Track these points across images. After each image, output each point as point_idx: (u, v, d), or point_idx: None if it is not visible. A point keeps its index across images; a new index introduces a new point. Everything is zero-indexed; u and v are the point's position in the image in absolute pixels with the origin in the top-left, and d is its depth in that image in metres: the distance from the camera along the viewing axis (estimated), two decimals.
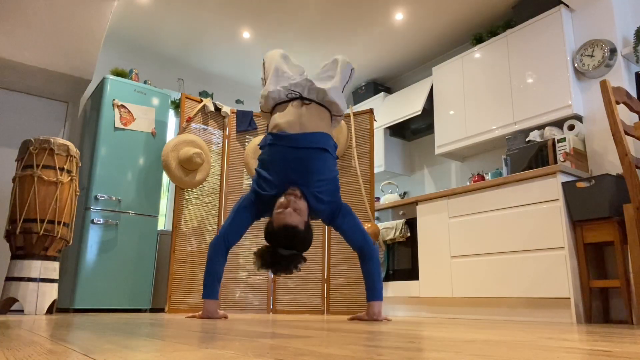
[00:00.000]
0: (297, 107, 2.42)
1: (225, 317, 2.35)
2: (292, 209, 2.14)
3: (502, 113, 3.69)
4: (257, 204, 2.32)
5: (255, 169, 2.41)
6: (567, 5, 3.45)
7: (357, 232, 2.36)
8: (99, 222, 3.63)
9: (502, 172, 3.65)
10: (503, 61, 3.76)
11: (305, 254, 2.23)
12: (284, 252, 2.12)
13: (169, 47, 4.71)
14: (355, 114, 4.01)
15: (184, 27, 4.37)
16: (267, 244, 2.19)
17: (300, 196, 2.21)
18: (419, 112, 4.32)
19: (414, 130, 4.75)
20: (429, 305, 3.62)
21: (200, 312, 2.35)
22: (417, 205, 3.84)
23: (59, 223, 2.90)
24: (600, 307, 2.92)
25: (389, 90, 5.28)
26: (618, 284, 2.69)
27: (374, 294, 2.31)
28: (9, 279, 2.81)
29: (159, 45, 4.68)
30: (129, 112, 3.93)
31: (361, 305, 3.59)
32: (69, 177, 2.99)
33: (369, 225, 3.57)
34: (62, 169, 2.96)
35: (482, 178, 3.86)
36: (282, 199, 2.19)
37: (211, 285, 2.26)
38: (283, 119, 2.41)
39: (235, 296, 3.72)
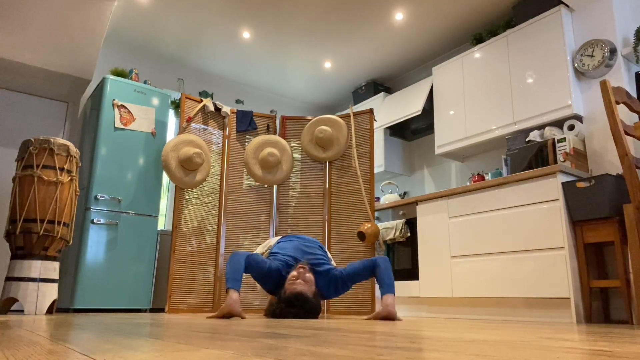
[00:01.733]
0: None
1: (243, 317, 2.39)
2: (302, 280, 2.51)
3: (502, 113, 3.69)
4: (277, 269, 2.67)
5: (272, 261, 2.73)
6: (567, 5, 3.45)
7: (359, 266, 2.70)
8: (99, 222, 3.63)
9: (502, 172, 3.65)
10: (503, 61, 3.77)
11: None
12: (293, 311, 2.44)
13: (169, 47, 4.71)
14: (355, 114, 4.01)
15: (184, 27, 4.37)
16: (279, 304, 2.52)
17: (308, 269, 2.59)
18: (419, 112, 4.32)
19: (414, 130, 4.75)
20: (429, 305, 3.62)
21: (221, 307, 2.37)
22: (417, 205, 3.84)
23: (59, 223, 2.90)
24: (600, 307, 2.92)
25: (389, 90, 5.28)
26: (618, 284, 2.69)
27: (386, 288, 2.56)
28: (9, 279, 2.81)
29: (159, 45, 4.68)
30: (129, 112, 3.93)
31: (361, 305, 3.59)
32: (69, 177, 2.99)
33: (369, 225, 3.57)
34: (62, 169, 2.96)
35: (482, 178, 3.86)
36: (294, 272, 2.56)
37: (234, 278, 2.41)
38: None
39: None
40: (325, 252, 2.99)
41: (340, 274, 2.70)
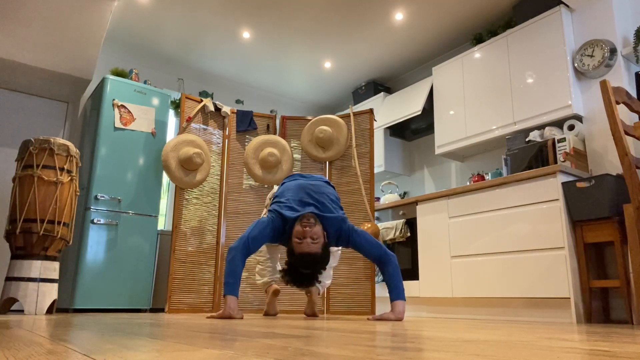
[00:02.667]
0: None
1: (241, 318, 2.41)
2: (310, 238, 2.35)
3: (502, 113, 3.69)
4: (280, 226, 2.49)
5: (273, 205, 2.60)
6: (567, 5, 3.45)
7: (373, 245, 2.53)
8: (99, 222, 3.63)
9: (502, 172, 3.65)
10: (503, 61, 3.76)
11: None
12: (305, 271, 2.37)
13: (169, 47, 4.71)
14: (355, 114, 4.01)
15: (184, 27, 4.37)
16: (289, 264, 2.42)
17: (314, 223, 2.39)
18: (419, 112, 4.32)
19: (414, 130, 4.75)
20: (429, 305, 3.62)
21: (221, 311, 2.38)
22: (417, 205, 3.84)
23: (59, 223, 2.90)
24: (600, 307, 2.92)
25: (389, 90, 5.28)
26: (618, 284, 2.69)
27: (397, 293, 2.45)
28: (9, 279, 2.81)
29: (159, 45, 4.68)
30: (129, 112, 3.93)
31: (361, 305, 3.59)
32: (69, 177, 2.99)
33: (369, 226, 3.57)
34: (62, 169, 2.96)
35: (482, 178, 3.86)
36: (298, 228, 2.37)
37: (233, 284, 2.36)
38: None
39: None
40: (334, 190, 2.77)
41: (348, 232, 2.52)
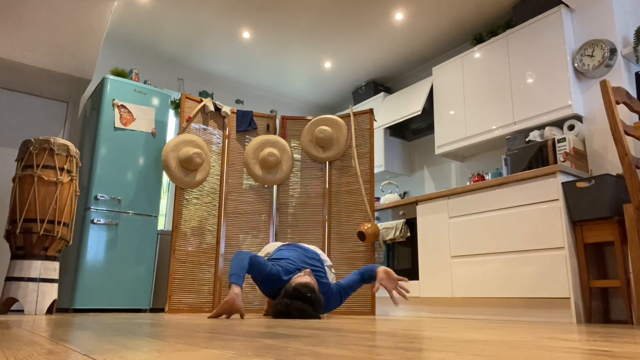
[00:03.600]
0: None
1: (243, 316, 2.41)
2: (308, 276, 2.56)
3: (502, 113, 3.69)
4: (279, 277, 2.61)
5: (273, 265, 2.68)
6: (567, 5, 3.45)
7: (350, 281, 2.79)
8: (99, 222, 3.63)
9: (502, 172, 3.65)
10: (503, 61, 3.76)
11: None
12: (297, 305, 2.37)
13: (169, 47, 4.72)
14: (355, 114, 4.01)
15: (184, 27, 4.37)
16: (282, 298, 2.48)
17: (311, 273, 2.62)
18: (419, 112, 4.32)
19: (414, 130, 4.75)
20: (429, 305, 3.62)
21: (222, 302, 2.37)
22: (417, 205, 3.84)
23: (59, 223, 2.90)
24: (600, 307, 2.92)
25: (389, 90, 5.28)
26: (618, 284, 2.69)
27: (373, 267, 2.78)
28: (9, 279, 2.81)
29: (159, 45, 4.68)
30: (129, 112, 3.93)
31: (361, 305, 3.59)
32: (69, 177, 2.99)
33: (369, 225, 3.57)
34: (62, 169, 2.96)
35: (482, 178, 3.86)
36: (299, 273, 2.60)
37: (238, 274, 2.41)
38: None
39: None
40: (324, 266, 2.94)
41: (337, 287, 2.75)
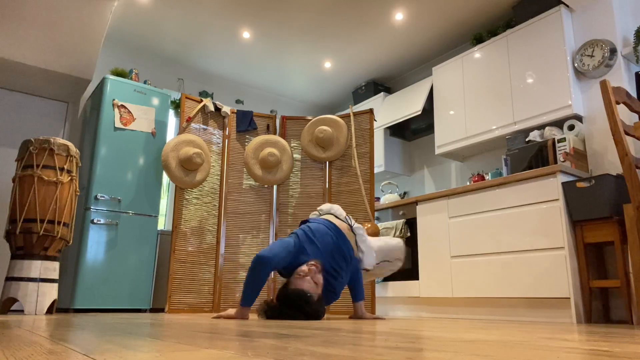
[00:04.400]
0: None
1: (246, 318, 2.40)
2: (311, 279, 2.32)
3: (502, 113, 3.69)
4: (297, 251, 2.45)
5: (305, 227, 2.58)
6: (567, 5, 3.45)
7: (352, 277, 2.66)
8: (99, 222, 3.63)
9: (502, 172, 3.65)
10: (503, 61, 3.76)
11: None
12: (289, 310, 2.25)
13: (169, 47, 4.71)
14: (355, 114, 4.01)
15: (184, 27, 4.37)
16: (277, 300, 2.32)
17: (320, 270, 2.38)
18: (419, 112, 4.32)
19: (414, 130, 4.75)
20: (429, 305, 3.62)
21: (229, 311, 2.37)
22: (417, 205, 3.84)
23: (59, 223, 2.90)
24: (600, 307, 2.92)
25: (389, 90, 5.28)
26: (618, 284, 2.69)
27: (362, 295, 2.66)
28: (9, 279, 2.81)
29: (159, 45, 4.68)
30: (129, 112, 3.93)
31: None
32: (69, 177, 2.99)
33: (369, 225, 3.56)
34: (62, 169, 2.96)
35: (482, 178, 3.86)
36: (304, 267, 2.35)
37: (251, 295, 2.31)
38: None
39: (235, 296, 3.72)
40: (349, 263, 2.62)
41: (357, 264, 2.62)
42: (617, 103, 2.26)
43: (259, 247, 3.86)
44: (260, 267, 2.29)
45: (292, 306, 2.23)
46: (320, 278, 2.36)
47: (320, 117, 3.99)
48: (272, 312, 2.28)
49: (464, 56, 4.10)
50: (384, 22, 4.22)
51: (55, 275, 2.95)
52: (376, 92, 5.17)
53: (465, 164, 4.36)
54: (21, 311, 3.42)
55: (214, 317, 2.46)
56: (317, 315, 2.30)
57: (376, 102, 5.03)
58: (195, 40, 4.58)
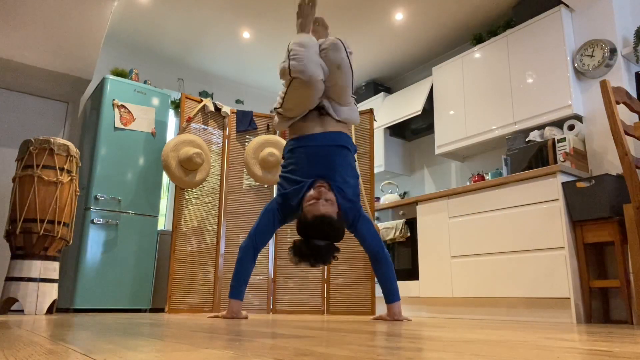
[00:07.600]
0: (316, 115, 2.46)
1: (246, 318, 2.39)
2: (324, 200, 2.16)
3: (502, 113, 3.69)
4: (283, 206, 2.33)
5: (280, 175, 2.42)
6: (567, 5, 3.45)
7: (375, 238, 2.40)
8: (99, 222, 3.63)
9: (502, 172, 3.65)
10: (503, 61, 3.76)
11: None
12: (319, 243, 2.12)
13: (169, 47, 4.71)
14: None
15: (184, 27, 4.37)
16: (301, 237, 2.18)
17: (329, 188, 2.22)
18: (419, 112, 4.32)
19: (414, 130, 4.75)
20: (429, 305, 3.62)
21: (224, 312, 2.38)
22: (417, 205, 3.84)
23: (59, 223, 2.90)
24: (600, 307, 2.92)
25: (389, 90, 5.28)
26: (618, 284, 2.69)
27: (393, 296, 2.38)
28: (9, 279, 2.81)
29: (159, 45, 4.68)
30: (129, 112, 3.93)
31: (361, 305, 3.58)
32: (69, 177, 2.99)
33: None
34: (62, 169, 2.96)
35: (482, 178, 3.86)
36: (311, 192, 2.20)
37: (238, 287, 2.30)
38: (304, 122, 2.45)
39: None
40: (350, 158, 2.42)
41: (357, 214, 2.35)
42: (617, 103, 2.26)
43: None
44: (241, 256, 2.28)
45: (317, 235, 2.11)
46: (331, 195, 2.20)
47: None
48: (301, 252, 2.15)
49: (464, 56, 4.10)
50: (384, 22, 4.22)
51: (55, 275, 2.95)
52: (376, 92, 5.17)
53: (465, 164, 4.36)
54: (21, 311, 3.42)
55: (210, 317, 2.47)
56: (340, 233, 2.17)
57: (376, 102, 5.03)
58: (195, 40, 4.58)
